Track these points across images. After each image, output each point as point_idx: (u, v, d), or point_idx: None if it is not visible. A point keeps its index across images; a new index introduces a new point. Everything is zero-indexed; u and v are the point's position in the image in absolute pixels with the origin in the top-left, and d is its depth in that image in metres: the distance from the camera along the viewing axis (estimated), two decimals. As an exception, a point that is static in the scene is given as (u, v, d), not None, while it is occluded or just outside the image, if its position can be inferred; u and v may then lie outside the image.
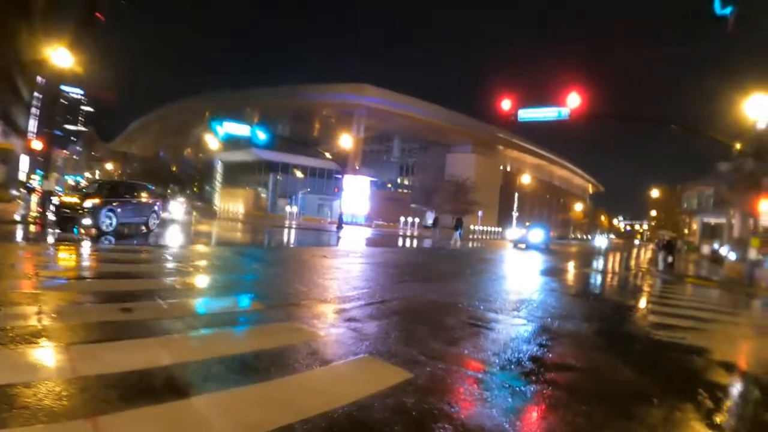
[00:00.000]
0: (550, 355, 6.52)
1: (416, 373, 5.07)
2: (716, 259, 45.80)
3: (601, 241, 65.53)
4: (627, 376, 6.05)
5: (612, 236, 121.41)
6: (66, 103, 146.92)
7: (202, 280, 10.00)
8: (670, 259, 27.92)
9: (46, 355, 4.58)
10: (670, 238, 34.70)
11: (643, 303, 13.60)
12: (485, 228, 59.53)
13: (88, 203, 17.80)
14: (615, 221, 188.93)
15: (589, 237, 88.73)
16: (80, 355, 4.62)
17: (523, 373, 5.52)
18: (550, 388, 5.15)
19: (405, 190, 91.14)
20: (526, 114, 22.53)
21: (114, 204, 18.84)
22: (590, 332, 8.46)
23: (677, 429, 4.51)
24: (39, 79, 40.35)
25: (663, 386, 5.63)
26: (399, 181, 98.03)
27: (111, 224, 18.29)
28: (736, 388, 6.23)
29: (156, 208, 22.18)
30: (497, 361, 5.92)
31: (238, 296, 8.63)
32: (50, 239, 14.89)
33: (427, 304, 9.37)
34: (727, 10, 8.48)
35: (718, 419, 4.81)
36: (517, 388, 5.02)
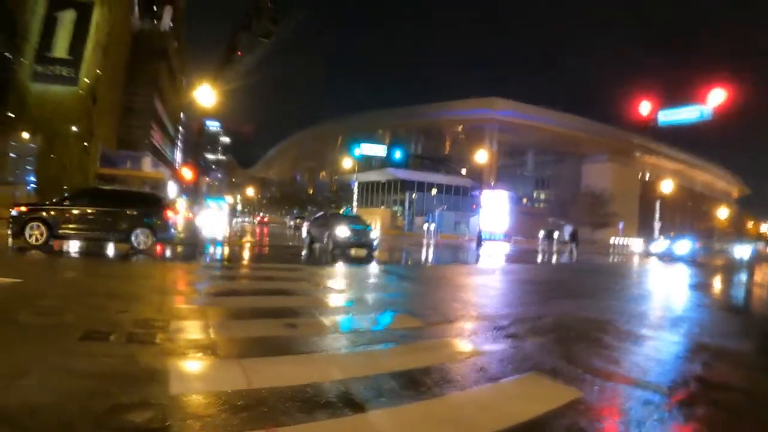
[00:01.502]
0: (714, 376, 6.02)
1: (585, 392, 4.80)
2: None
3: (743, 251, 60.59)
4: None
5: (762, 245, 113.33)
6: (208, 135, 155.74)
7: (356, 298, 10.04)
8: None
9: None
10: None
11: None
12: (622, 241, 57.19)
13: (13, 211, 15.21)
14: (763, 228, 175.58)
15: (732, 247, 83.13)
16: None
17: (690, 395, 5.10)
18: (718, 410, 4.78)
19: (541, 204, 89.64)
20: (667, 117, 21.41)
21: (50, 213, 15.24)
22: (753, 350, 7.83)
23: None
24: (182, 114, 43.31)
25: None
26: (534, 194, 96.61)
27: (39, 238, 14.79)
28: None
29: (151, 221, 16.50)
30: (663, 380, 5.51)
31: (394, 313, 8.56)
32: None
33: (581, 321, 8.95)
34: None
35: None
36: (685, 409, 4.69)
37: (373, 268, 17.12)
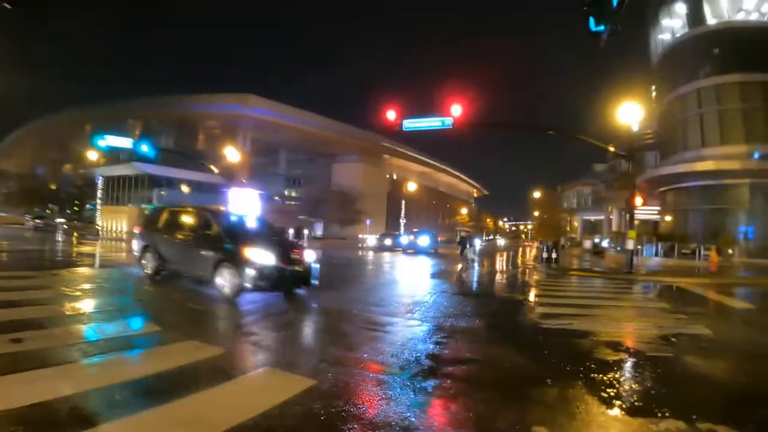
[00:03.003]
0: (446, 352, 6.99)
1: (319, 380, 5.25)
2: (598, 251, 48.85)
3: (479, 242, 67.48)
4: (521, 363, 6.60)
5: (496, 236, 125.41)
6: None
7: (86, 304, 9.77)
8: (554, 254, 29.66)
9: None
10: (555, 240, 36.82)
11: (532, 296, 14.46)
12: (369, 236, 60.27)
13: None
14: (501, 222, 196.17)
15: (488, 238, 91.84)
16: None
17: (423, 371, 5.89)
18: (450, 381, 5.58)
19: (293, 202, 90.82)
20: (411, 123, 23.15)
21: None
22: (483, 327, 9.04)
23: (571, 405, 4.97)
24: None
25: (555, 369, 6.21)
26: (286, 193, 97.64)
27: None
28: (621, 362, 6.85)
29: None
30: (397, 361, 6.23)
31: (130, 319, 8.50)
32: None
33: (324, 313, 9.62)
34: (601, 28, 9.07)
35: (607, 392, 5.36)
36: (419, 384, 5.38)
37: (115, 271, 16.55)
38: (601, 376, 5.95)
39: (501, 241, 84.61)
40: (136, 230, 15.37)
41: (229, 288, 10.70)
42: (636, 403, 5.04)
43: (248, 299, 11.11)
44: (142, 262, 14.04)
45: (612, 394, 5.29)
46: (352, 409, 4.52)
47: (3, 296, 9.70)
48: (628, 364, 6.79)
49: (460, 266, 25.79)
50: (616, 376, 6.06)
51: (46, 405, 4.17)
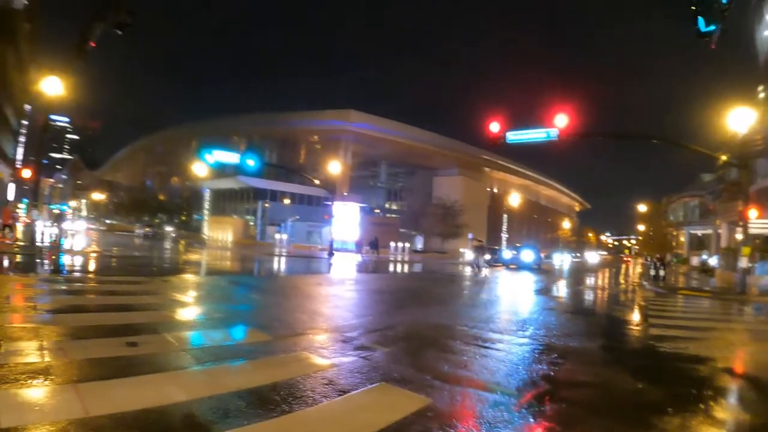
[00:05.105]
0: (562, 373, 6.59)
1: (434, 398, 5.03)
2: (706, 269, 46.30)
3: (565, 259, 65.48)
4: (639, 388, 6.13)
5: (601, 252, 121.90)
6: (53, 131, 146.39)
7: (187, 312, 9.85)
8: (661, 272, 28.41)
9: None
10: (661, 256, 35.27)
11: (643, 317, 13.73)
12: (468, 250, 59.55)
13: None
14: (603, 237, 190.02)
15: (578, 255, 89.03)
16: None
17: (538, 394, 5.52)
18: (568, 405, 5.22)
19: (393, 215, 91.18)
20: (515, 136, 22.62)
21: None
22: (596, 348, 8.62)
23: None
24: (27, 107, 40.04)
25: (675, 396, 5.77)
26: (387, 206, 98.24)
27: None
28: (743, 391, 6.45)
29: None
30: (511, 381, 5.89)
31: (239, 327, 8.49)
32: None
33: (430, 329, 9.32)
34: (711, 28, 8.58)
35: (731, 423, 5.07)
36: (534, 408, 5.03)
37: (222, 279, 16.88)
38: (723, 405, 5.66)
39: (595, 258, 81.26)
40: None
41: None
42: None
43: (355, 313, 11.02)
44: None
45: (736, 426, 4.99)
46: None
47: (117, 300, 9.97)
48: (752, 394, 6.35)
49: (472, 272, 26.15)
50: (739, 406, 5.75)
51: (160, 410, 4.14)
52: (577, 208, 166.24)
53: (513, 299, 16.64)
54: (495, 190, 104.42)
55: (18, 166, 36.21)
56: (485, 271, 28.33)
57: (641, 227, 78.04)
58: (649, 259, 41.35)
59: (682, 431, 4.66)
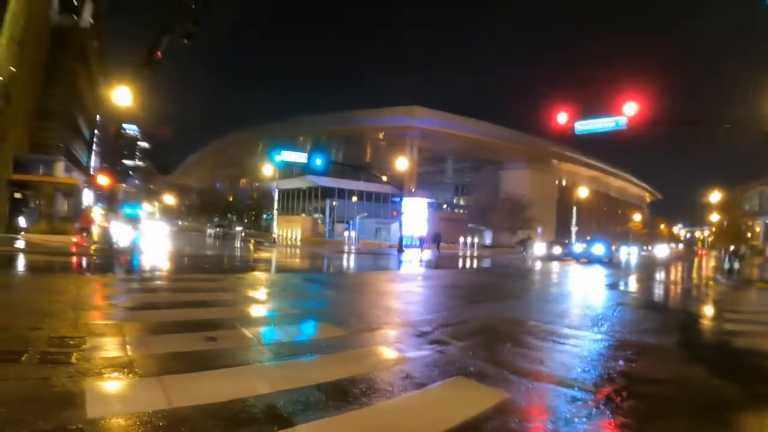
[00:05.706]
0: (637, 370, 6.41)
1: (512, 393, 4.99)
2: None
3: (632, 252, 63.55)
4: (716, 385, 5.95)
5: (672, 245, 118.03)
6: (125, 139, 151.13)
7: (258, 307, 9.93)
8: (736, 265, 27.54)
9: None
10: (736, 247, 34.10)
11: (718, 312, 13.27)
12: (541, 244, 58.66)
13: None
14: (675, 229, 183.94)
15: (647, 247, 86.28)
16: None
17: (615, 390, 5.37)
18: (644, 401, 5.09)
19: (461, 210, 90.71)
20: (583, 126, 22.03)
21: None
22: (671, 344, 8.38)
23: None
24: (98, 117, 41.41)
25: (753, 394, 5.60)
26: (454, 201, 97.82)
27: None
28: None
29: None
30: (588, 377, 5.79)
31: (317, 322, 8.51)
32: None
33: (504, 323, 9.18)
34: None
35: None
36: (612, 404, 4.92)
37: (294, 276, 17.03)
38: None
39: (665, 251, 78.08)
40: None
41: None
42: None
43: (428, 309, 10.99)
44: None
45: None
46: (550, 427, 4.22)
47: (195, 297, 10.18)
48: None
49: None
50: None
51: (242, 402, 4.20)
52: (648, 199, 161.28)
53: (585, 294, 16.23)
54: (563, 183, 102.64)
55: (92, 173, 37.38)
56: (530, 262, 28.75)
57: (714, 217, 74.91)
58: (722, 252, 39.74)
59: (760, 431, 4.57)
